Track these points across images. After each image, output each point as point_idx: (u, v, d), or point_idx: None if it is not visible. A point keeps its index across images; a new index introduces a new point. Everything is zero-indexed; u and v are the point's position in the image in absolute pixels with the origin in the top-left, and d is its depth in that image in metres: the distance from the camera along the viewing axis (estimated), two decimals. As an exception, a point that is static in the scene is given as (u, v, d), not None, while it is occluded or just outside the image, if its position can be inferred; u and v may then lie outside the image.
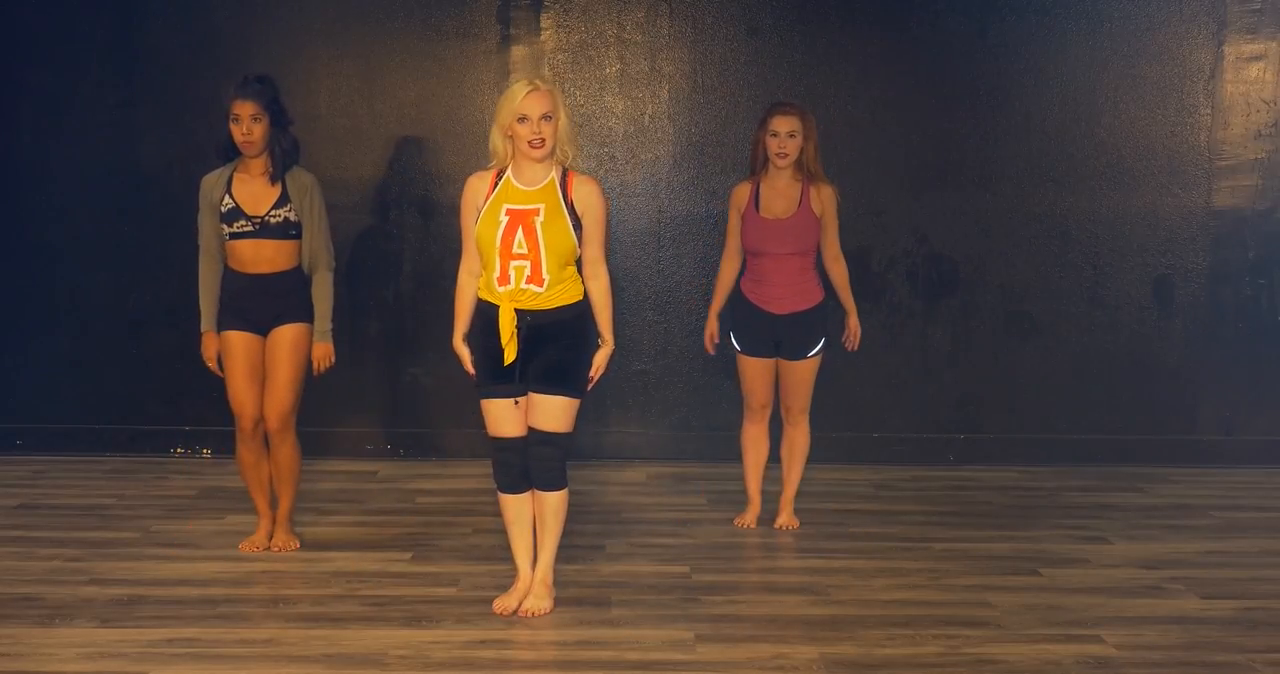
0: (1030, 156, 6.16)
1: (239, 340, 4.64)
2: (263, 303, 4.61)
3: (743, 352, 5.03)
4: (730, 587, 4.41)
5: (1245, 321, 6.26)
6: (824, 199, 4.86)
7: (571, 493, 5.70)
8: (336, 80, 6.15)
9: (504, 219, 3.92)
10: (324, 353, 4.71)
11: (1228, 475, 6.11)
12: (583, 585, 4.40)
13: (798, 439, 5.14)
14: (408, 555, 4.75)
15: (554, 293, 3.97)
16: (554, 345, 3.99)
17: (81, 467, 6.09)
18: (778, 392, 5.11)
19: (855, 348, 5.15)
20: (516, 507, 4.13)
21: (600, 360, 4.13)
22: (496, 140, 3.97)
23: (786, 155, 4.80)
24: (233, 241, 4.59)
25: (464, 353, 4.11)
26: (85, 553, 4.72)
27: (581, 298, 4.06)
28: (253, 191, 4.58)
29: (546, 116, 3.89)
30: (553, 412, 4.00)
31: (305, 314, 4.66)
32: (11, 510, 5.35)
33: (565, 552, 4.78)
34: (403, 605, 4.18)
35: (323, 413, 6.17)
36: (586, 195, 4.00)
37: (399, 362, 6.24)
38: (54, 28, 6.16)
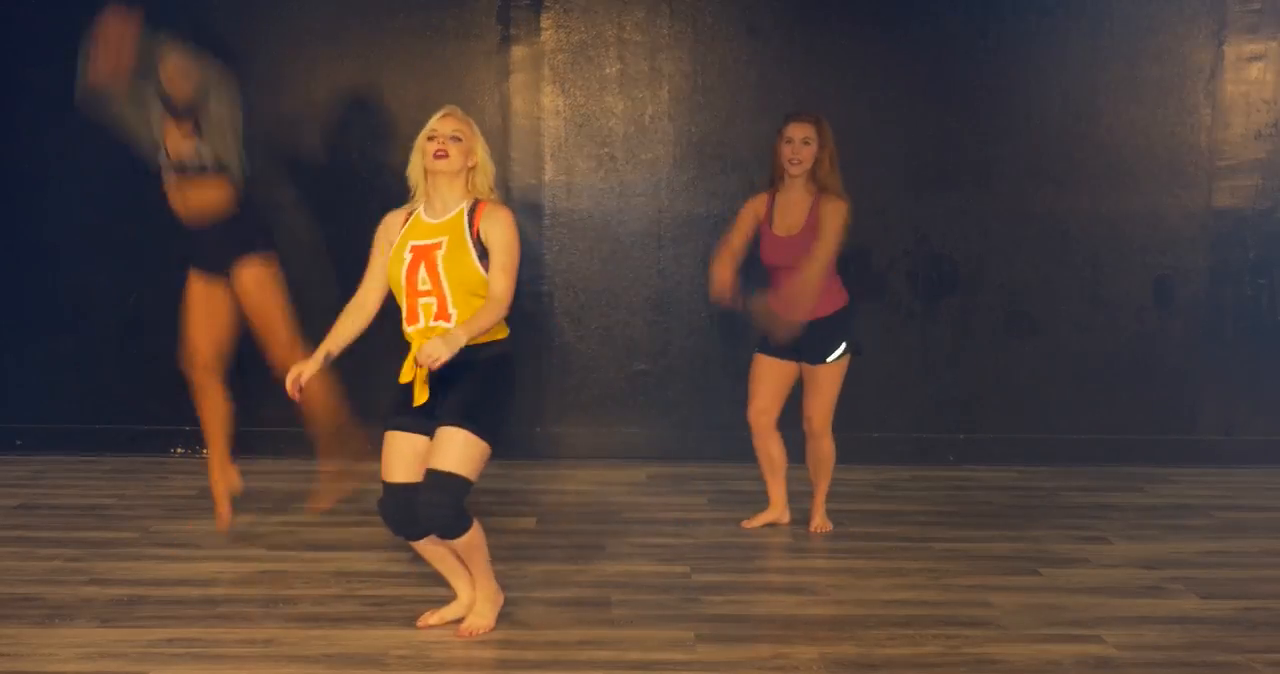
0: (1030, 156, 6.16)
1: (199, 282, 4.89)
2: (215, 244, 4.84)
3: (760, 350, 4.98)
4: (730, 587, 4.41)
5: (1245, 321, 6.27)
6: (826, 213, 4.72)
7: (571, 493, 5.76)
8: (336, 80, 6.15)
9: (408, 256, 3.79)
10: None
11: (1228, 475, 6.11)
12: (583, 585, 4.40)
13: (818, 450, 5.02)
14: (408, 555, 4.74)
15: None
16: (467, 384, 3.76)
17: (81, 467, 6.09)
18: (791, 403, 5.05)
19: (765, 309, 4.79)
20: (426, 551, 3.91)
21: (436, 344, 3.58)
22: (415, 172, 3.86)
23: (800, 163, 4.74)
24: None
25: (316, 365, 3.86)
26: (85, 553, 4.72)
27: (504, 336, 3.85)
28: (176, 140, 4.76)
29: (455, 137, 3.80)
30: (453, 448, 3.67)
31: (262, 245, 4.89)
32: (11, 510, 5.35)
33: (565, 551, 4.79)
34: (403, 605, 4.18)
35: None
36: (493, 226, 3.78)
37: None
38: (54, 28, 6.15)
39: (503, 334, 3.87)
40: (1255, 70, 6.14)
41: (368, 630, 3.97)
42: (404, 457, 3.78)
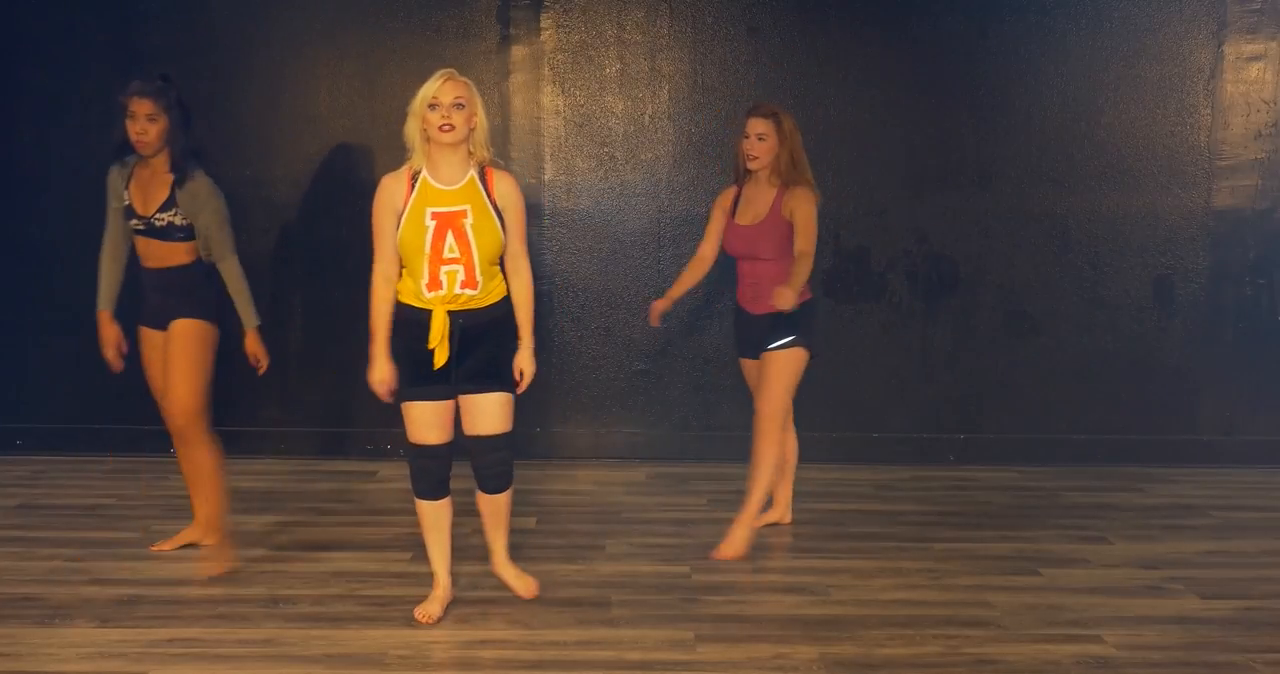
0: (1030, 156, 6.16)
1: (145, 337, 4.71)
2: (160, 298, 4.60)
3: (740, 355, 5.01)
4: (730, 587, 4.41)
5: (1245, 322, 6.27)
6: (795, 200, 4.64)
7: (572, 493, 5.76)
8: (336, 80, 6.15)
9: (431, 223, 3.82)
10: (252, 345, 4.68)
11: (1228, 475, 6.11)
12: (583, 585, 4.40)
13: (760, 446, 4.71)
14: (408, 555, 4.75)
15: (485, 292, 3.92)
16: (485, 344, 3.94)
17: (81, 467, 6.09)
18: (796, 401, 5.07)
19: (779, 306, 4.63)
20: (436, 513, 4.09)
21: (524, 362, 4.01)
22: (412, 131, 3.87)
23: (755, 158, 4.70)
24: (134, 236, 4.64)
25: (386, 369, 3.92)
26: (85, 553, 4.72)
27: (507, 294, 4.02)
28: (145, 191, 4.55)
29: (458, 104, 3.83)
30: (491, 410, 3.96)
31: (201, 310, 4.56)
32: (11, 510, 5.35)
33: (565, 552, 4.79)
34: (403, 605, 4.18)
35: (323, 413, 6.19)
36: (508, 190, 3.93)
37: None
38: (54, 28, 6.16)
39: (505, 291, 4.02)
40: (1255, 70, 6.14)
41: (368, 630, 3.97)
42: (432, 423, 3.97)
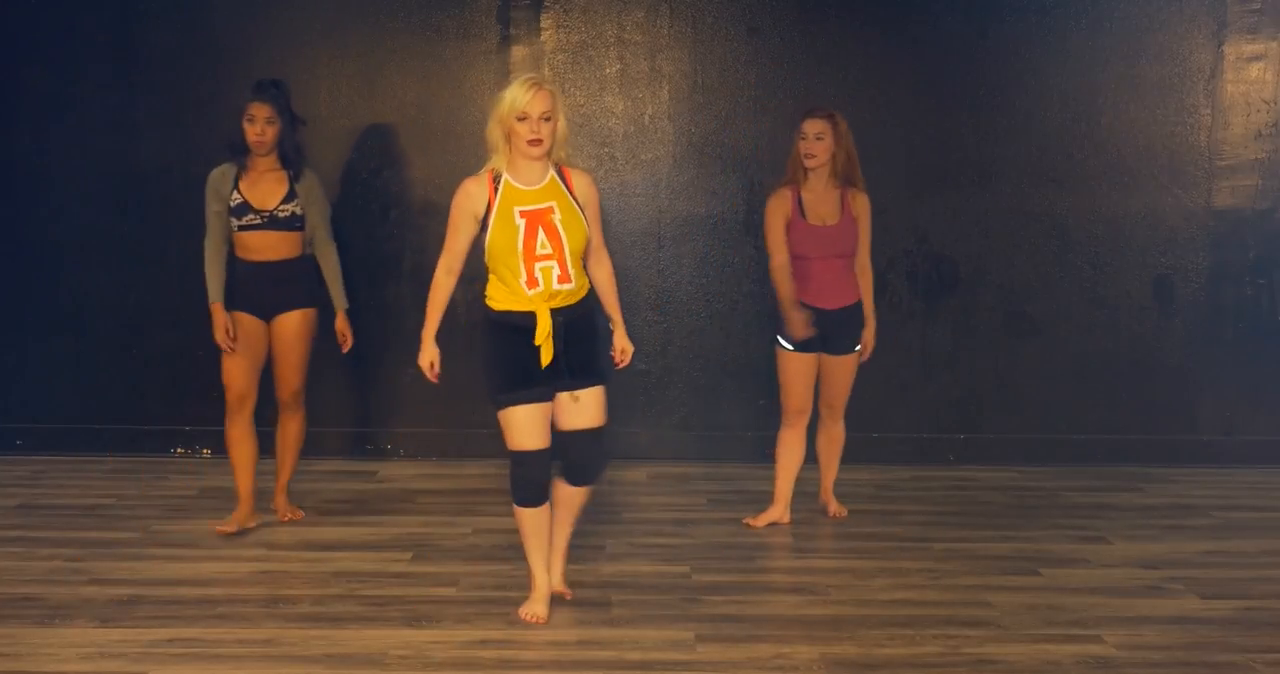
0: (1030, 156, 6.16)
1: (245, 322, 4.93)
2: (269, 289, 4.94)
3: (792, 348, 5.00)
4: (730, 587, 4.42)
5: (1245, 322, 6.26)
6: (859, 207, 4.98)
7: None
8: (336, 80, 6.15)
9: (520, 222, 3.88)
10: (341, 326, 5.11)
11: (1228, 475, 6.11)
12: (583, 585, 4.40)
13: (836, 433, 5.27)
14: (408, 555, 4.75)
15: (578, 287, 3.99)
16: (584, 339, 4.01)
17: (81, 467, 6.09)
18: (816, 395, 5.15)
19: (867, 359, 5.16)
20: (537, 519, 4.06)
21: (623, 341, 4.17)
22: (495, 135, 3.92)
23: (813, 156, 4.88)
24: (241, 233, 4.90)
25: (434, 352, 4.08)
26: (85, 553, 4.72)
27: (590, 286, 4.09)
28: (261, 188, 4.90)
29: (546, 117, 3.86)
30: (593, 405, 4.03)
31: (309, 300, 5.02)
32: (11, 510, 5.35)
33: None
34: (403, 605, 4.18)
35: (323, 413, 6.18)
36: (586, 187, 4.02)
37: (399, 362, 6.23)
38: (54, 28, 6.15)
39: (588, 284, 4.08)
40: (1255, 70, 6.14)
41: (368, 630, 3.97)
42: (534, 427, 3.96)
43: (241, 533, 4.98)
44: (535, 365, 3.92)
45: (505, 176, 3.93)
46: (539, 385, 3.94)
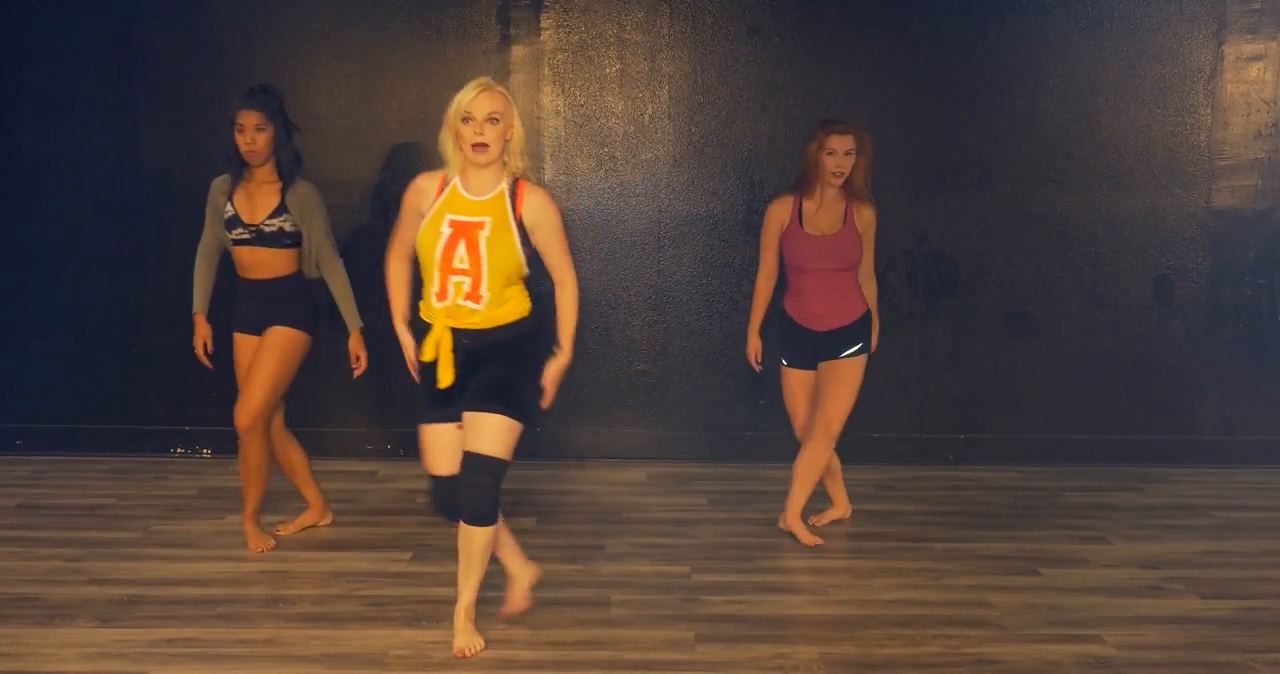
0: (1030, 156, 6.16)
1: (240, 342, 4.79)
2: (259, 307, 4.73)
3: (788, 364, 4.98)
4: (730, 587, 4.42)
5: (1245, 322, 6.26)
6: (865, 219, 4.85)
7: (572, 493, 5.76)
8: (336, 80, 6.15)
9: (446, 230, 3.68)
10: (355, 346, 4.84)
11: (1228, 475, 6.11)
12: (583, 585, 4.40)
13: (820, 455, 4.90)
14: (408, 555, 4.75)
15: (494, 313, 3.74)
16: (493, 365, 3.74)
17: (81, 467, 6.09)
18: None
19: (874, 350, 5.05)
20: (460, 536, 3.83)
21: (553, 370, 3.83)
22: (446, 142, 3.72)
23: (843, 174, 4.76)
24: (235, 248, 4.73)
25: (408, 339, 3.84)
26: (85, 553, 4.72)
27: (526, 315, 3.83)
28: (252, 199, 4.68)
29: (493, 119, 3.64)
30: (486, 432, 3.67)
31: (299, 319, 4.74)
32: (11, 510, 5.35)
33: (565, 551, 4.79)
34: (403, 605, 4.18)
35: (322, 413, 6.19)
36: (536, 207, 3.74)
37: (398, 361, 6.22)
38: (54, 28, 6.15)
39: (525, 312, 3.83)
40: (1255, 70, 6.14)
41: (368, 630, 3.97)
42: (445, 450, 3.79)
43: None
44: (435, 384, 3.73)
45: (455, 182, 3.75)
46: (448, 406, 3.75)
